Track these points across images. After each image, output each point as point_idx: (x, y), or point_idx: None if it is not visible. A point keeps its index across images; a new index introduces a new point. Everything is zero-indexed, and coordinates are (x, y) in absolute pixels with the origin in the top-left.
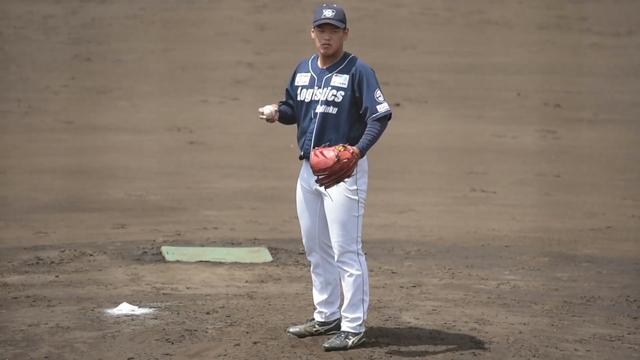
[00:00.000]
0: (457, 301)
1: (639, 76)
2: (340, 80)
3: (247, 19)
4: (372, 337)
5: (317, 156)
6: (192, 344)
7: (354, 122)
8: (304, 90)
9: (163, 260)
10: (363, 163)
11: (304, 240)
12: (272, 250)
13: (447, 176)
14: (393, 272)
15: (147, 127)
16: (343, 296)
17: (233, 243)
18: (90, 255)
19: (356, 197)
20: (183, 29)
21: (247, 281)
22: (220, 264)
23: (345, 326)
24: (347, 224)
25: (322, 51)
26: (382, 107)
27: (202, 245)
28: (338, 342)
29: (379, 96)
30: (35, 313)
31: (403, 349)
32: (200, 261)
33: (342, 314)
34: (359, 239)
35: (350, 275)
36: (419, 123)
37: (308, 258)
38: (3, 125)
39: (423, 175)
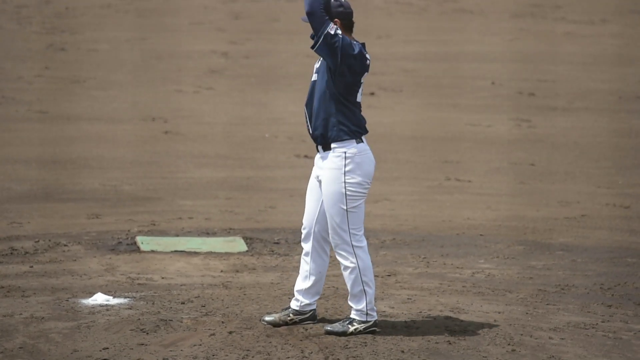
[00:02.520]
0: (432, 290)
1: (613, 64)
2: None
3: (222, 8)
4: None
5: None
6: (167, 334)
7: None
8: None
9: (138, 250)
10: (355, 156)
11: (303, 224)
12: (247, 239)
13: (422, 165)
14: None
15: (122, 117)
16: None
17: (208, 233)
18: (65, 245)
19: (343, 190)
20: (157, 18)
21: (222, 271)
22: (196, 253)
23: (351, 313)
24: (335, 216)
25: None
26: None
27: (177, 235)
28: (339, 327)
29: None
30: (9, 303)
31: (378, 337)
32: (175, 251)
33: (348, 302)
34: (353, 232)
35: (345, 268)
36: (394, 112)
37: (302, 243)
38: None
39: (398, 164)
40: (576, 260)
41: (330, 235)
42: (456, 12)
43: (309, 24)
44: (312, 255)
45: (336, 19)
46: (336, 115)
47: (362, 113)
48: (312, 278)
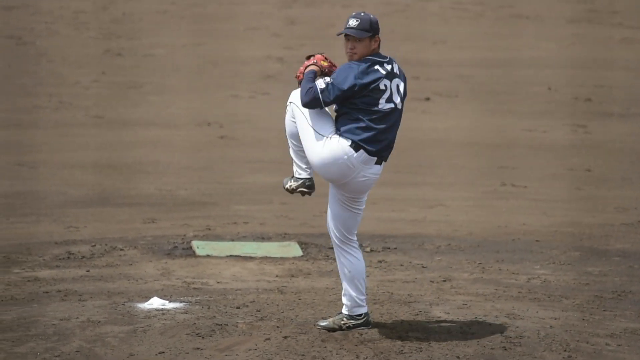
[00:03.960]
0: (488, 295)
1: None
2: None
3: (277, 14)
4: (402, 331)
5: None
6: (222, 339)
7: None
8: None
9: (193, 254)
10: (360, 165)
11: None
12: (302, 244)
13: (477, 171)
14: (423, 267)
15: (178, 122)
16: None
17: (263, 237)
18: (121, 249)
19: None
20: (213, 23)
21: (277, 275)
22: (251, 258)
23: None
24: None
25: (348, 59)
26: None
27: (233, 240)
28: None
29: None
30: (66, 307)
31: (433, 343)
32: (231, 256)
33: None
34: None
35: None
36: (449, 117)
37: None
38: (34, 120)
39: (453, 169)
40: (633, 267)
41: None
42: (512, 18)
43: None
44: (336, 256)
45: (377, 37)
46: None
47: (415, 119)
48: (341, 279)
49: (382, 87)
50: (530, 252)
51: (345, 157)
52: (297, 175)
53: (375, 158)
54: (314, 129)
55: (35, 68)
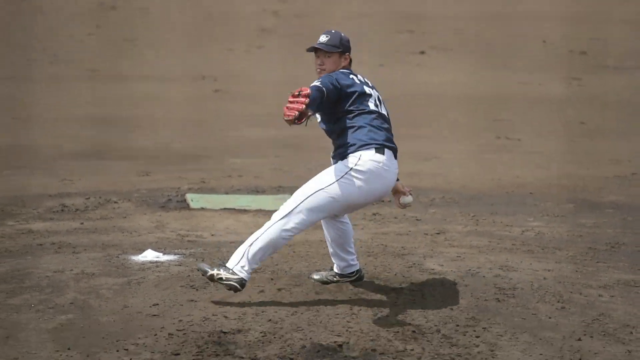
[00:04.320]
0: (482, 248)
1: None
2: None
3: None
4: (396, 283)
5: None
6: (216, 291)
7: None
8: None
9: (187, 207)
10: (351, 167)
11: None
12: None
13: (472, 124)
14: (417, 220)
15: (172, 76)
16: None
17: (257, 191)
18: (115, 202)
19: (321, 187)
20: None
21: None
22: (245, 211)
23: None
24: (300, 189)
25: (316, 75)
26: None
27: (227, 193)
28: (207, 267)
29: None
30: (60, 259)
31: (427, 295)
32: (225, 208)
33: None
34: (291, 214)
35: (259, 229)
36: (444, 71)
37: None
38: (29, 74)
39: (448, 123)
40: (626, 219)
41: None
42: None
43: None
44: (323, 223)
45: (347, 54)
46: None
47: (410, 73)
48: (328, 243)
49: (367, 91)
50: (524, 204)
51: (379, 165)
52: (236, 270)
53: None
54: (328, 184)
55: (30, 22)
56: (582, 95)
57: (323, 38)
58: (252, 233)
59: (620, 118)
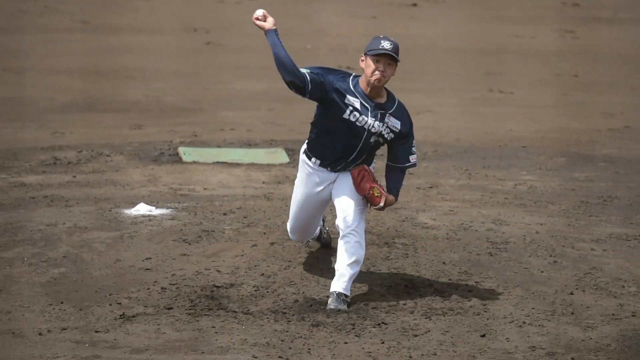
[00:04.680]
0: (474, 202)
1: None
2: (394, 124)
3: None
4: (389, 237)
5: (361, 178)
6: (209, 245)
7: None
8: (356, 113)
9: (180, 161)
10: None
11: (293, 227)
12: (289, 151)
13: (464, 77)
14: (410, 173)
15: (164, 28)
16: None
17: (250, 144)
18: (108, 155)
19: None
20: None
21: (264, 182)
22: (237, 165)
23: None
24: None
25: (372, 81)
26: (414, 158)
27: (219, 146)
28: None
29: (414, 147)
30: (53, 213)
31: (420, 249)
32: (217, 162)
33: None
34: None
35: (357, 253)
36: (436, 24)
37: (292, 236)
38: (20, 25)
39: (440, 76)
40: (619, 172)
41: (351, 218)
42: None
43: None
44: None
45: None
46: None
47: (403, 25)
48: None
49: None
50: (517, 158)
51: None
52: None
53: None
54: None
55: None
56: (575, 47)
57: (387, 44)
58: (245, 187)
59: (613, 71)
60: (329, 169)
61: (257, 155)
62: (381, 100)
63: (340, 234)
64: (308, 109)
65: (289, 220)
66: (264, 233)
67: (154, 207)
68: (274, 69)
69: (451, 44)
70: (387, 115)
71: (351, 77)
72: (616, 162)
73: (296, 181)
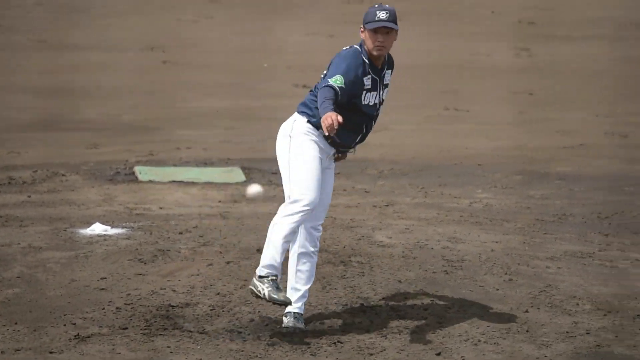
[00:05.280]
0: (430, 220)
1: None
2: (388, 76)
3: None
4: (345, 256)
5: None
6: (165, 264)
7: None
8: (369, 93)
9: (136, 180)
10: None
11: (313, 202)
12: (246, 170)
13: (421, 94)
14: (366, 191)
15: (121, 46)
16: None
17: (206, 163)
18: (63, 175)
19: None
20: None
21: (220, 201)
22: (193, 184)
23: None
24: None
25: (375, 53)
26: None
27: (175, 165)
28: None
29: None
30: (7, 233)
31: (376, 268)
32: (173, 181)
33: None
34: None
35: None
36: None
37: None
38: None
39: (397, 93)
40: (574, 190)
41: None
42: None
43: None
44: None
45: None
46: None
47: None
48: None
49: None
50: (472, 175)
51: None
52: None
53: None
54: None
55: None
56: (531, 65)
57: (383, 15)
58: (200, 206)
59: (568, 88)
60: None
61: (213, 174)
62: (382, 62)
63: (309, 249)
64: (265, 127)
65: (300, 191)
66: (220, 252)
67: (109, 227)
68: (232, 87)
69: (408, 61)
70: (385, 72)
71: (361, 51)
72: (571, 180)
73: (297, 148)
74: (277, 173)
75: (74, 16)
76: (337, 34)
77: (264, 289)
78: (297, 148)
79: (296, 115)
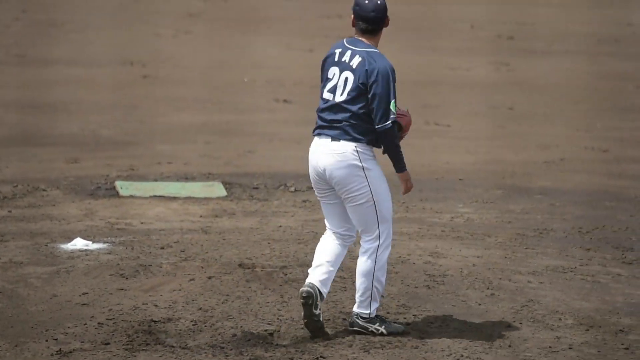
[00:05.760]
0: (412, 234)
1: (592, 7)
2: None
3: None
4: None
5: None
6: (146, 279)
7: None
8: None
9: (117, 195)
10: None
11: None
12: (227, 184)
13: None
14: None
15: (100, 61)
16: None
17: (187, 177)
18: (44, 190)
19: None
20: None
21: (201, 216)
22: (174, 198)
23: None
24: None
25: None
26: None
27: (156, 180)
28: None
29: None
30: None
31: None
32: (154, 196)
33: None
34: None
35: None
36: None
37: None
38: None
39: None
40: (555, 204)
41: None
42: None
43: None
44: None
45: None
46: None
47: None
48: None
49: (329, 74)
50: (453, 190)
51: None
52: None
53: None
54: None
55: None
56: (510, 79)
57: (372, 15)
58: (182, 220)
59: (548, 103)
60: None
61: (194, 188)
62: None
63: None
64: (245, 141)
65: (390, 225)
66: (202, 267)
67: (90, 242)
68: (211, 102)
69: None
70: None
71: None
72: (552, 194)
73: (374, 173)
74: (258, 187)
75: (52, 31)
76: (316, 48)
77: (379, 327)
78: (376, 179)
79: (349, 143)
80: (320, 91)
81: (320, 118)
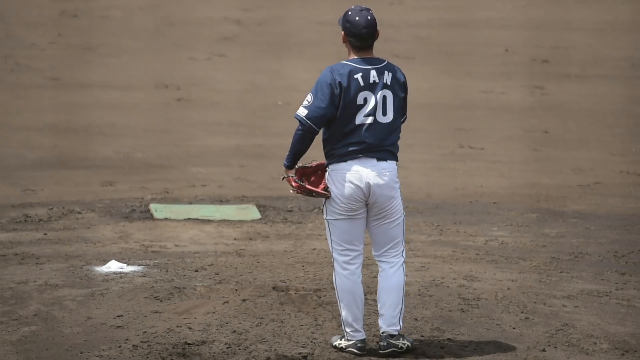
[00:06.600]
0: (446, 258)
1: (627, 31)
2: None
3: None
4: None
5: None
6: (180, 302)
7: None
8: None
9: (151, 217)
10: (332, 172)
11: None
12: (261, 207)
13: (435, 133)
14: None
15: (135, 85)
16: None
17: (221, 200)
18: (79, 212)
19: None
20: None
21: (235, 239)
22: (209, 221)
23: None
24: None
25: None
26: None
27: (190, 203)
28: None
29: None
30: (23, 271)
31: None
32: (189, 219)
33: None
34: (332, 247)
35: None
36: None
37: None
38: None
39: (411, 131)
40: (589, 228)
41: None
42: None
43: None
44: None
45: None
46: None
47: None
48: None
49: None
50: (487, 213)
51: (336, 172)
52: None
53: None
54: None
55: None
56: (545, 103)
57: (365, 31)
58: (216, 243)
59: (582, 127)
60: None
61: (228, 211)
62: None
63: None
64: (279, 164)
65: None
66: (236, 290)
67: (125, 264)
68: (245, 125)
69: (421, 100)
70: None
71: None
72: (586, 218)
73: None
74: (291, 210)
75: (87, 54)
76: None
77: (405, 342)
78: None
79: (393, 162)
80: (339, 117)
81: (356, 143)
